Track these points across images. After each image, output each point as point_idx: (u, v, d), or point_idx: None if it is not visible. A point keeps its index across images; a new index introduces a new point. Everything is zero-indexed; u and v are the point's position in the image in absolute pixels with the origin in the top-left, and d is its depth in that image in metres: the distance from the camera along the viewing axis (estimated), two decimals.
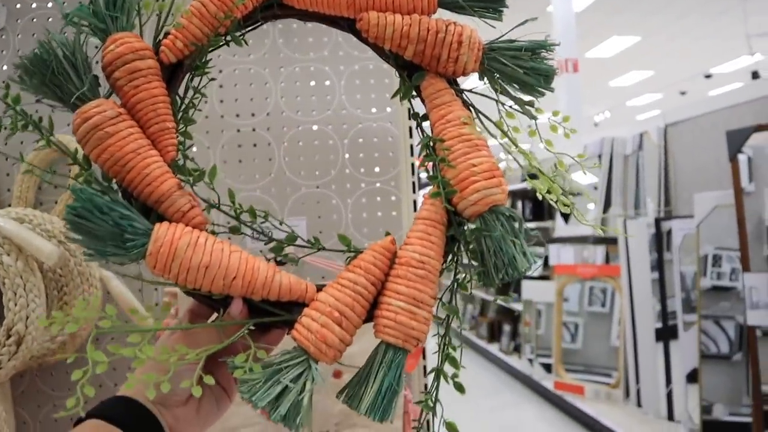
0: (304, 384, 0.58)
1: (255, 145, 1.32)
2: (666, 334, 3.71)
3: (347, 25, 0.70)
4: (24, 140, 1.30)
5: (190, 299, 0.66)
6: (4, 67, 1.32)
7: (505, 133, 0.69)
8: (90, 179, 0.62)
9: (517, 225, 0.62)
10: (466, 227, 0.64)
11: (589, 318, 4.85)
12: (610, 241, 4.79)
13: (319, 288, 0.63)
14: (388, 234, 0.66)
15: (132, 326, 0.58)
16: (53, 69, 0.61)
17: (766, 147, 2.42)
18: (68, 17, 0.63)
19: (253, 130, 1.32)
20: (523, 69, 0.67)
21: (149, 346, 0.56)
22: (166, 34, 0.66)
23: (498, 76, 0.68)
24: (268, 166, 1.31)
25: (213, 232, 0.65)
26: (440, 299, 0.65)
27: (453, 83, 0.69)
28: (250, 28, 0.70)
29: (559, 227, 5.33)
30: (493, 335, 6.17)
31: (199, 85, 0.72)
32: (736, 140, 2.34)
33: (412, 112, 0.71)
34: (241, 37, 0.69)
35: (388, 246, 0.63)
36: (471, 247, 0.64)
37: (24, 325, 1.07)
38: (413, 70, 0.69)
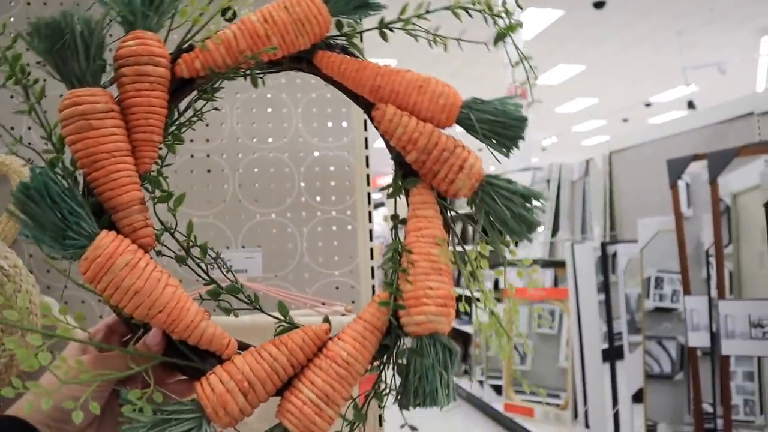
0: None
1: (209, 171, 1.31)
2: (612, 354, 3.80)
3: (365, 105, 0.71)
4: None
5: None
6: (11, 19, 1.28)
7: (472, 267, 0.71)
8: (56, 162, 0.60)
9: (449, 357, 0.62)
10: (401, 342, 0.65)
11: (538, 339, 4.91)
12: (558, 265, 4.86)
13: (243, 348, 0.63)
14: (326, 321, 0.65)
15: (34, 327, 0.55)
16: (66, 41, 0.60)
17: (703, 174, 2.53)
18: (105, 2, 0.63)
19: (208, 156, 1.31)
20: (512, 213, 0.67)
21: (45, 353, 0.52)
22: (190, 47, 0.66)
23: (486, 210, 0.68)
24: (222, 192, 1.30)
25: (159, 253, 0.66)
26: (354, 400, 0.64)
27: (441, 198, 0.69)
28: (270, 71, 0.71)
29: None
30: None
31: (202, 108, 0.73)
32: (676, 168, 2.44)
33: (367, 141, 0.76)
34: (261, 77, 0.70)
35: (321, 334, 0.63)
36: (399, 361, 0.64)
37: None
38: (409, 171, 0.70)
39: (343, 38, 0.72)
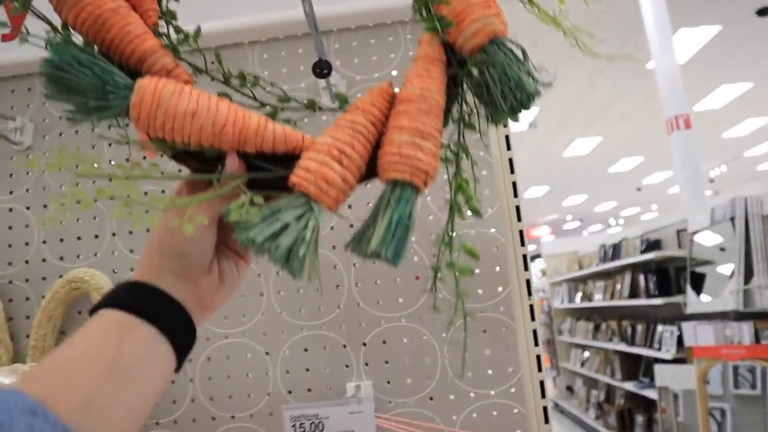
0: (308, 222, 0.54)
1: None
2: None
3: None
4: (46, 276, 1.18)
5: None
6: (28, 191, 1.24)
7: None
8: (69, 39, 0.59)
9: (520, 53, 0.59)
10: (468, 63, 0.61)
11: (737, 402, 4.20)
12: (758, 316, 4.18)
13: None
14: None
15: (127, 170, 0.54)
16: None
17: None
18: None
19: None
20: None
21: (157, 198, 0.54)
22: None
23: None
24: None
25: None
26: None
27: None
28: None
29: (692, 302, 4.76)
30: (624, 425, 5.46)
31: None
32: None
33: None
34: None
35: (386, 88, 0.62)
36: (474, 80, 0.60)
37: None
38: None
39: None
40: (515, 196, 1.09)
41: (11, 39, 1.32)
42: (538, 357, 1.03)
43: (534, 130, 10.50)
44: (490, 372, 1.04)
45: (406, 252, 0.56)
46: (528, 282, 1.06)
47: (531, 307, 1.05)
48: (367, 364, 1.07)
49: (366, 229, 0.56)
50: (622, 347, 5.42)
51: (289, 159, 0.57)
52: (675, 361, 4.79)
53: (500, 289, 1.07)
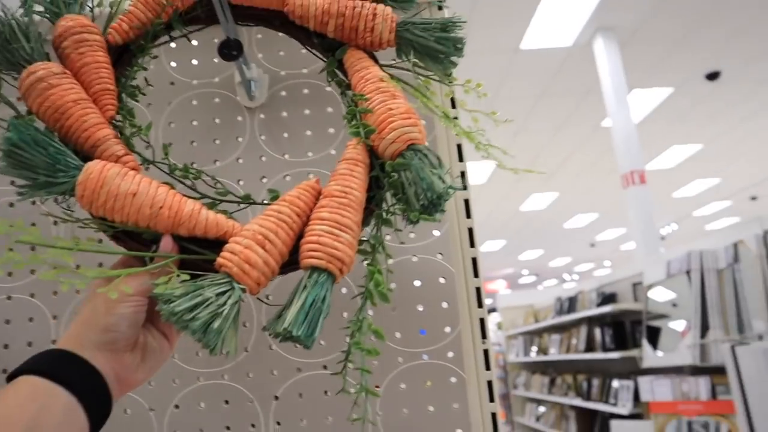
0: (228, 299, 0.56)
1: None
2: None
3: (281, 20, 0.74)
4: None
5: None
6: None
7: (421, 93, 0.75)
8: (31, 122, 0.62)
9: (434, 159, 0.64)
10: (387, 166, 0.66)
11: None
12: (715, 371, 4.09)
13: None
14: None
15: (60, 242, 0.58)
16: (6, 37, 0.65)
17: None
18: (27, 2, 0.69)
19: None
20: (434, 38, 0.72)
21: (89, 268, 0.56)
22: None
23: (412, 49, 0.73)
24: None
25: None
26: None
27: (373, 59, 0.74)
28: (194, 28, 0.75)
29: (648, 356, 4.64)
30: None
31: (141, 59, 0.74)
32: None
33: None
34: (186, 35, 0.76)
35: (312, 184, 0.66)
36: (392, 181, 0.65)
37: None
38: (335, 46, 0.74)
39: None
40: (468, 216, 0.88)
41: None
42: (494, 415, 0.80)
43: (491, 184, 10.51)
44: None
45: (318, 333, 0.58)
46: (482, 321, 0.83)
47: (486, 352, 0.83)
48: (279, 423, 0.83)
49: (282, 311, 0.60)
50: (578, 402, 5.26)
51: (219, 244, 0.61)
52: (631, 416, 4.69)
53: (448, 329, 0.83)
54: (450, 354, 0.83)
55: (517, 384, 7.50)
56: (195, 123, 0.92)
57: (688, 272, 4.35)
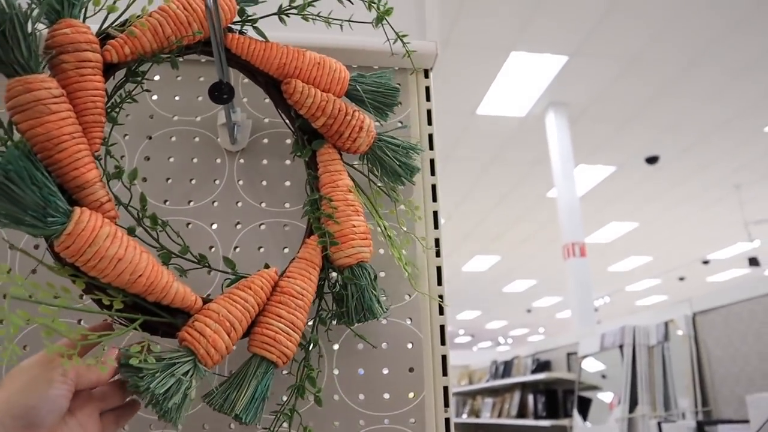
0: (192, 381, 0.62)
1: None
2: None
3: (270, 83, 0.80)
4: None
5: None
6: None
7: (373, 206, 0.86)
8: (24, 148, 0.59)
9: (374, 279, 0.77)
10: (334, 275, 0.78)
11: None
12: None
13: (205, 301, 0.69)
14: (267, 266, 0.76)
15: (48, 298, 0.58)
16: (5, 31, 0.59)
17: None
18: None
19: None
20: (399, 162, 0.85)
21: (58, 321, 0.55)
22: (108, 35, 0.70)
23: (378, 163, 0.85)
24: None
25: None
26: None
27: (341, 156, 0.83)
28: (186, 53, 0.76)
29: (578, 426, 4.67)
30: None
31: (132, 92, 0.76)
32: None
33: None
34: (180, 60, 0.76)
35: (273, 276, 0.74)
36: (336, 291, 0.78)
37: None
38: (311, 137, 0.82)
39: (249, 23, 0.80)
40: (439, 284, 0.88)
41: None
42: None
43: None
44: None
45: (261, 415, 0.68)
46: (446, 389, 0.82)
47: (447, 421, 0.81)
48: None
49: (230, 392, 0.67)
50: None
51: (178, 310, 0.67)
52: None
53: (411, 395, 0.82)
54: (412, 420, 0.81)
55: None
56: (172, 159, 0.90)
57: (620, 346, 4.43)
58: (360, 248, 0.76)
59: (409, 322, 0.86)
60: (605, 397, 4.45)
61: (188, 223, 0.87)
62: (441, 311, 0.86)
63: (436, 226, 0.91)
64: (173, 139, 0.91)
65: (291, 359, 0.71)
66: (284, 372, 0.80)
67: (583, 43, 5.40)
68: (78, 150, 0.62)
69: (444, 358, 0.84)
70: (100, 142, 0.67)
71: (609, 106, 6.52)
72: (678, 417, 3.99)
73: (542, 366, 5.17)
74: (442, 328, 0.85)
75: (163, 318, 0.66)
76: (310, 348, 0.77)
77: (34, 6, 0.62)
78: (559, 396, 5.03)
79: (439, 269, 0.89)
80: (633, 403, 4.31)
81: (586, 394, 4.76)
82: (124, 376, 0.59)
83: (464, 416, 6.74)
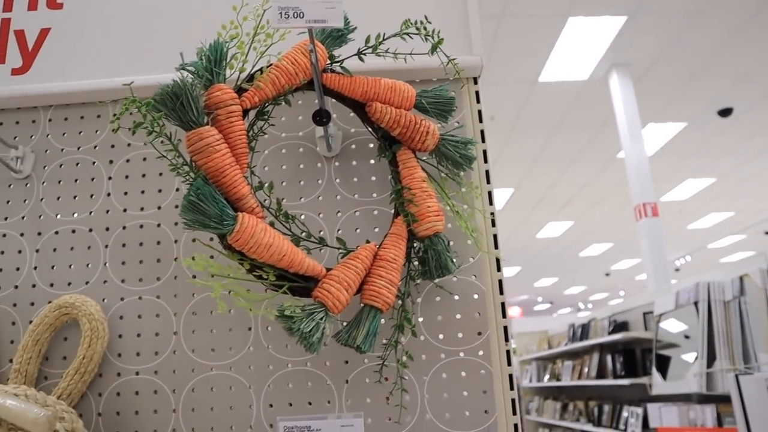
0: (326, 323, 0.93)
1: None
2: None
3: (356, 105, 1.10)
4: (35, 301, 1.20)
5: None
6: (23, 218, 1.26)
7: (443, 190, 1.12)
8: (202, 176, 0.91)
9: (448, 245, 1.06)
10: (416, 244, 1.07)
11: None
12: (721, 400, 4.17)
13: (328, 270, 0.99)
14: (368, 241, 1.12)
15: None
16: (182, 102, 0.91)
17: None
18: (184, 66, 0.96)
19: None
20: (459, 154, 1.11)
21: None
22: (241, 89, 1.01)
23: (443, 156, 1.12)
24: None
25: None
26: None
27: (414, 154, 1.11)
28: (294, 90, 1.06)
29: (657, 383, 4.76)
30: None
31: (263, 127, 1.09)
32: None
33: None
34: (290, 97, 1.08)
35: (373, 248, 1.03)
36: (419, 255, 1.07)
37: None
38: (391, 142, 1.11)
39: (337, 64, 1.11)
40: (496, 247, 1.15)
41: (21, 73, 1.40)
42: (513, 401, 1.05)
43: (507, 211, 10.70)
44: (467, 413, 1.06)
45: (374, 346, 0.99)
46: (506, 329, 1.09)
47: (508, 352, 1.08)
48: (348, 401, 1.09)
49: (351, 330, 0.97)
50: (589, 428, 5.38)
51: (310, 278, 0.97)
52: None
53: (479, 333, 1.11)
54: (480, 352, 1.09)
55: (529, 409, 7.61)
56: (284, 167, 1.20)
57: (695, 303, 4.48)
58: (435, 223, 1.03)
59: (474, 278, 1.13)
60: (687, 356, 4.50)
61: (302, 215, 1.17)
62: (498, 268, 1.13)
63: (491, 203, 1.17)
64: (284, 151, 1.21)
65: (392, 306, 0.99)
66: (389, 318, 1.10)
67: (642, 1, 5.41)
68: (236, 175, 0.93)
69: (503, 304, 1.11)
70: (246, 167, 0.98)
71: (673, 61, 6.46)
72: (757, 370, 4.03)
73: (619, 327, 5.25)
74: (500, 282, 1.12)
75: (301, 284, 0.96)
76: (405, 298, 1.06)
77: (196, 82, 0.94)
78: (638, 355, 5.10)
79: (495, 236, 1.15)
80: (711, 358, 4.37)
81: (664, 352, 4.81)
82: (282, 323, 0.90)
83: (545, 380, 6.92)
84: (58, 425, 0.96)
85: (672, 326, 4.84)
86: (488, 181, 1.19)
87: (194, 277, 1.14)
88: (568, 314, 15.58)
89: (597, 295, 19.82)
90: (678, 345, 4.71)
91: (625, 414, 4.99)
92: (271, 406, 1.09)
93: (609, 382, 5.05)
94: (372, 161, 1.21)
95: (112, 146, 1.26)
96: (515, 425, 1.04)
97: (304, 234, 1.08)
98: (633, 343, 5.10)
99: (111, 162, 1.24)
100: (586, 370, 5.67)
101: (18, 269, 1.20)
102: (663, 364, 4.77)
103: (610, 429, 5.02)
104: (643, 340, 4.96)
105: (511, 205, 10.59)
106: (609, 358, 5.24)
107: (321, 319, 0.91)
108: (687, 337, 4.52)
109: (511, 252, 13.69)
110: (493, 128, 7.35)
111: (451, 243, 1.12)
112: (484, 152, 1.20)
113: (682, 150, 8.64)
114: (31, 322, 1.15)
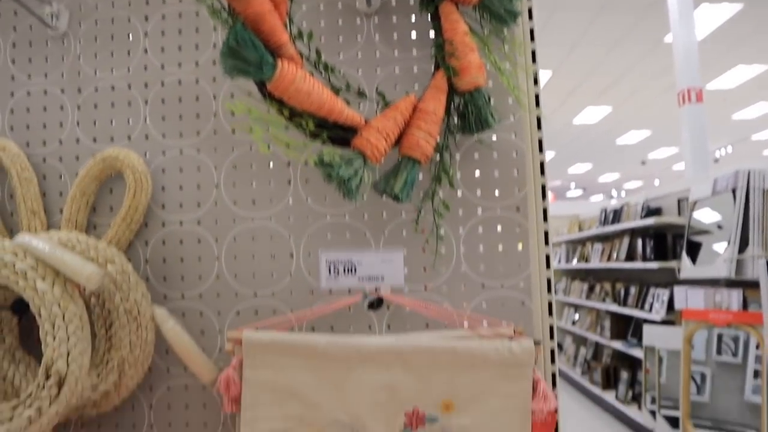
0: (365, 170, 0.94)
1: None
2: None
3: None
4: (79, 155, 1.23)
5: (251, 349, 0.93)
6: (63, 75, 1.26)
7: (486, 44, 1.08)
8: (242, 24, 0.89)
9: (489, 100, 1.04)
10: (457, 99, 1.04)
11: (717, 369, 4.24)
12: (748, 285, 4.19)
13: (367, 121, 0.99)
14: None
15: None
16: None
17: None
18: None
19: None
20: (504, 8, 1.06)
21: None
22: None
23: (488, 11, 1.07)
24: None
25: None
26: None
27: (457, 8, 1.05)
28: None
29: (686, 267, 4.77)
30: (609, 382, 5.57)
31: None
32: None
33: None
34: None
35: (413, 100, 1.02)
36: (459, 110, 1.05)
37: (65, 362, 0.86)
38: None
39: None
40: (537, 105, 1.12)
41: None
42: (548, 256, 1.07)
43: (544, 95, 10.40)
44: (501, 267, 1.09)
45: (411, 196, 1.00)
46: (543, 187, 1.09)
47: (545, 210, 1.08)
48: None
49: (389, 179, 0.98)
50: (614, 308, 5.48)
51: (349, 128, 0.97)
52: (664, 323, 4.80)
53: (517, 191, 1.11)
54: (517, 209, 1.09)
55: (557, 289, 7.76)
56: (323, 24, 1.16)
57: (734, 190, 4.40)
58: (477, 76, 1.01)
59: (513, 136, 1.11)
60: (718, 246, 4.47)
61: (340, 69, 1.14)
62: (539, 126, 1.11)
63: (534, 61, 1.12)
64: (321, 7, 1.17)
65: (430, 159, 1.01)
66: (427, 172, 1.10)
67: None
68: (275, 22, 0.91)
69: (542, 163, 1.10)
70: (285, 15, 0.95)
71: None
72: None
73: (652, 212, 5.22)
74: (540, 141, 1.10)
75: (340, 133, 0.97)
76: (444, 151, 1.06)
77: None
78: (669, 240, 5.09)
79: (537, 96, 1.12)
80: (743, 244, 4.34)
81: (696, 238, 4.78)
82: (322, 170, 0.91)
83: (574, 262, 7.00)
84: (109, 267, 1.01)
85: (706, 216, 4.78)
86: (532, 39, 1.14)
87: (233, 131, 1.15)
88: (600, 202, 15.52)
89: (631, 183, 19.60)
90: (709, 231, 4.67)
91: (651, 295, 5.05)
92: (309, 255, 1.12)
93: (637, 265, 5.08)
94: (413, 17, 1.16)
95: (147, 2, 1.23)
96: (548, 279, 1.07)
97: (343, 86, 1.05)
98: (665, 228, 5.08)
99: (146, 18, 1.22)
100: (615, 253, 5.70)
101: (61, 125, 1.22)
102: (693, 250, 4.76)
103: (635, 309, 5.11)
104: (676, 226, 4.93)
105: (548, 89, 10.28)
106: (639, 241, 5.24)
107: (360, 167, 0.92)
108: (720, 227, 4.48)
109: (546, 136, 13.44)
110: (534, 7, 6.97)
111: (492, 101, 1.09)
112: (530, 10, 1.14)
113: (735, 34, 8.13)
114: (77, 174, 1.19)
